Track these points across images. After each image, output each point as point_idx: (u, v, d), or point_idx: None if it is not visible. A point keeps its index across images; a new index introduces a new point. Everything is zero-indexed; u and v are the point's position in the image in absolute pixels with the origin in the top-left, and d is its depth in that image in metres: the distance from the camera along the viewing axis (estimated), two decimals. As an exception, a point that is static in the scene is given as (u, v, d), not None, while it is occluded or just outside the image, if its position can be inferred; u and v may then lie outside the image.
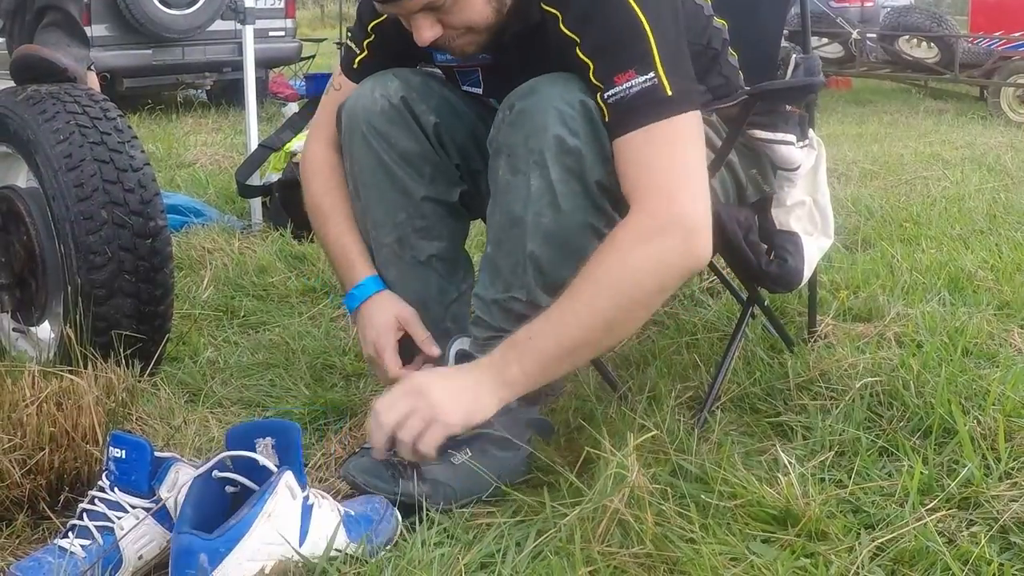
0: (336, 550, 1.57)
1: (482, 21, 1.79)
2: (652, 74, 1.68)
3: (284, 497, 1.52)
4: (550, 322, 1.69)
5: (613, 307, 1.68)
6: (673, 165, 1.69)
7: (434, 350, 1.96)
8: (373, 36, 2.04)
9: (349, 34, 2.13)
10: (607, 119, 1.71)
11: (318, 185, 2.08)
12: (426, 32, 1.78)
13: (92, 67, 2.83)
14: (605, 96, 1.70)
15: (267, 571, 1.48)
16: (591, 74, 1.71)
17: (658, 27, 1.70)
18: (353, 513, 1.65)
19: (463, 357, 1.87)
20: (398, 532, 1.69)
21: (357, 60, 2.07)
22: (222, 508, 1.55)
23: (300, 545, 1.53)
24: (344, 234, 2.04)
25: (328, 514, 1.60)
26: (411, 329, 1.97)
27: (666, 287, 1.72)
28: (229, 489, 1.58)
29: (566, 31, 1.74)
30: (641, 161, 1.69)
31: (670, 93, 1.69)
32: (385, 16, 1.97)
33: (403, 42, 1.88)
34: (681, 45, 1.77)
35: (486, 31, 1.82)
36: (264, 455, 1.58)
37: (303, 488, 1.57)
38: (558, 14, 1.75)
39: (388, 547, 1.65)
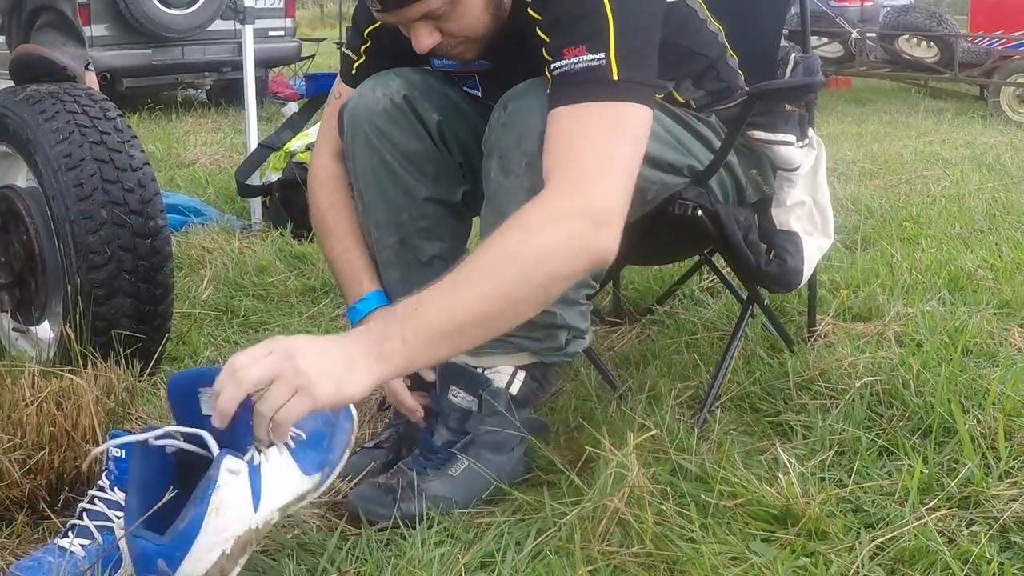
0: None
1: (481, 28, 1.78)
2: (602, 55, 1.63)
3: (227, 485, 1.45)
4: (442, 293, 1.53)
5: (512, 281, 1.54)
6: (598, 150, 1.61)
7: (429, 374, 1.94)
8: (370, 42, 2.04)
9: (345, 42, 2.12)
10: (549, 90, 1.67)
11: (323, 198, 2.07)
12: (425, 40, 1.77)
13: (91, 66, 2.82)
14: (551, 67, 1.66)
15: (228, 551, 1.44)
16: (544, 50, 1.68)
17: (622, 15, 1.65)
18: (304, 436, 1.56)
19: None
20: (356, 430, 1.62)
21: (355, 66, 2.06)
22: (166, 477, 1.51)
23: (256, 511, 1.47)
24: (350, 248, 2.02)
25: (276, 461, 1.50)
26: None
27: (567, 273, 1.58)
28: (170, 449, 1.52)
29: (531, 12, 1.72)
30: (566, 137, 1.63)
31: (615, 78, 1.63)
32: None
33: (400, 46, 1.87)
34: (649, 41, 1.71)
35: (484, 39, 1.82)
36: (208, 408, 1.49)
37: (247, 451, 1.48)
38: None
39: (347, 451, 1.59)
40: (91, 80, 2.75)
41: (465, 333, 1.54)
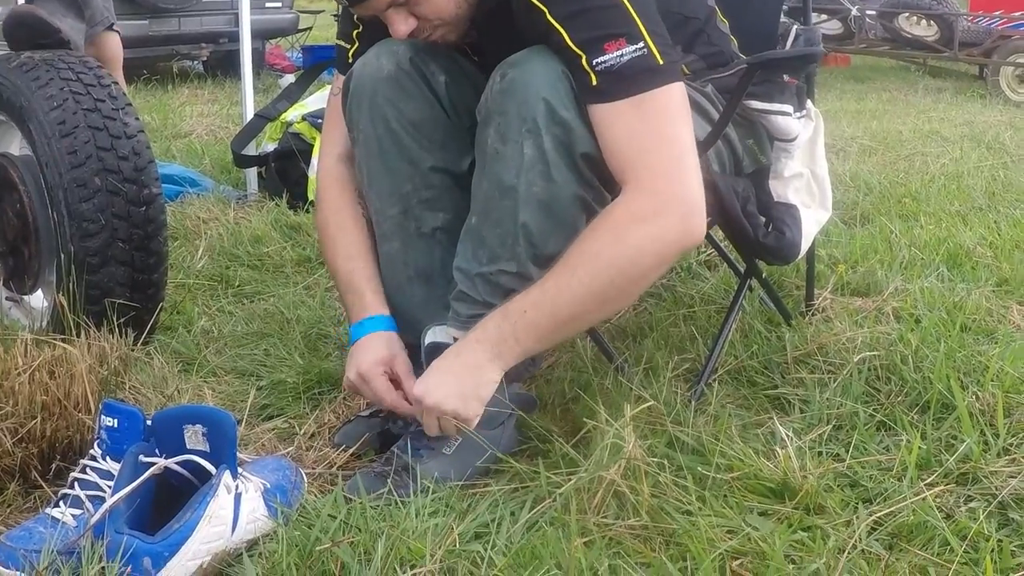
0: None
1: (452, 8, 1.79)
2: (642, 43, 1.66)
3: (223, 497, 1.55)
4: (546, 296, 1.69)
5: (609, 284, 1.68)
6: (666, 141, 1.69)
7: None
8: (360, 26, 2.01)
9: (337, 32, 2.09)
10: (594, 84, 1.67)
11: (327, 202, 2.04)
12: (401, 26, 1.79)
13: (115, 26, 2.80)
14: (593, 63, 1.67)
15: (205, 565, 1.52)
16: (568, 39, 1.68)
17: None
18: (269, 485, 1.67)
19: (433, 351, 1.81)
20: (305, 489, 1.75)
21: (350, 54, 2.03)
22: (148, 486, 1.56)
23: (233, 533, 1.57)
24: (352, 257, 1.98)
25: (253, 496, 1.62)
26: (398, 371, 1.89)
27: (663, 265, 1.74)
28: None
29: (534, 0, 1.70)
30: (634, 134, 1.68)
31: (661, 62, 1.67)
32: None
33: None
34: (656, 11, 1.73)
35: (461, 20, 1.82)
36: (193, 442, 1.60)
37: (235, 478, 1.59)
38: None
39: (297, 506, 1.69)
40: (115, 42, 2.72)
41: (568, 327, 1.75)
